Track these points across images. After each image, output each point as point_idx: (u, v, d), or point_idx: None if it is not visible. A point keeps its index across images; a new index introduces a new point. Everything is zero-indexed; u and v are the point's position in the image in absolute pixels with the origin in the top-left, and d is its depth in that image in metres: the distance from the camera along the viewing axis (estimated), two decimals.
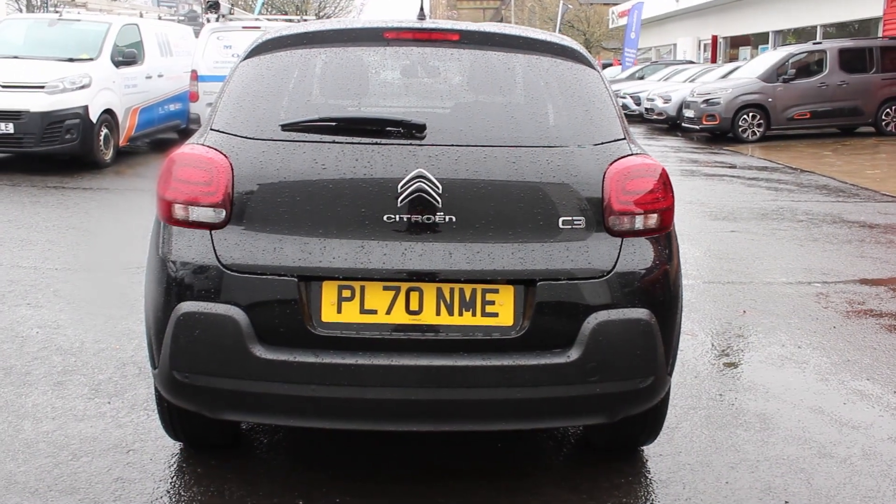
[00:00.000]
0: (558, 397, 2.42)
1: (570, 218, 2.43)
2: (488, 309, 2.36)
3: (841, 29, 20.21)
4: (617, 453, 3.05)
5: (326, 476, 2.80)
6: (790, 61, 15.14)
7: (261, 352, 2.30)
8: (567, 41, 2.79)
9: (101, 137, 9.82)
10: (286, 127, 2.43)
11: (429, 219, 2.34)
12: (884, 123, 15.26)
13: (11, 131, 9.09)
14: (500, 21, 67.84)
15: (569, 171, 2.45)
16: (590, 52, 2.83)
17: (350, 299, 2.33)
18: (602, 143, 2.54)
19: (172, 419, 2.75)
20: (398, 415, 2.40)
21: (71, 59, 9.84)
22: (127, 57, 10.43)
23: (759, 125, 15.02)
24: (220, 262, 2.35)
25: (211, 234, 2.38)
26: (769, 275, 5.79)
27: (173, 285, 2.39)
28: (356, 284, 2.33)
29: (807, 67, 15.28)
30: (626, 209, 2.47)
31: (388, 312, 2.33)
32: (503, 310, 2.37)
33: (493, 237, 2.38)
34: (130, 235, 6.72)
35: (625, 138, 2.62)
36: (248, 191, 2.38)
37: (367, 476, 2.83)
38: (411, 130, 2.41)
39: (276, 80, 2.57)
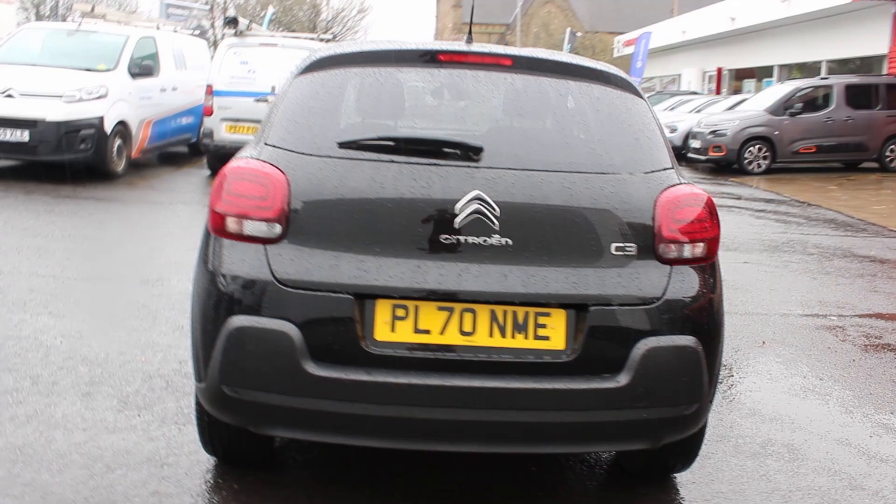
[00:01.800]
0: (606, 422, 2.43)
1: (622, 244, 2.45)
2: (540, 332, 2.37)
3: (843, 65, 20.43)
4: (650, 479, 3.05)
5: (363, 495, 2.80)
6: (797, 95, 15.30)
7: (313, 368, 2.30)
8: (615, 70, 2.83)
9: (115, 148, 9.85)
10: (344, 145, 2.46)
11: (485, 241, 2.36)
12: (888, 160, 15.40)
13: (27, 139, 9.10)
14: (504, 45, 68.22)
15: (621, 198, 2.48)
16: None
17: (404, 318, 2.34)
18: (652, 172, 2.57)
19: (212, 434, 2.74)
20: (448, 435, 2.40)
21: (88, 69, 9.89)
22: (143, 69, 10.49)
23: (764, 157, 15.13)
24: (274, 276, 2.35)
25: (265, 248, 2.38)
26: (785, 306, 5.81)
27: (225, 299, 2.39)
28: (410, 304, 2.34)
29: (813, 102, 15.43)
30: (676, 237, 2.50)
31: (442, 333, 2.34)
32: (555, 333, 2.38)
33: (547, 261, 2.40)
34: (147, 248, 6.74)
35: (673, 167, 2.65)
36: (305, 207, 2.39)
37: (405, 496, 2.82)
38: (468, 152, 2.44)
39: (331, 98, 2.59)
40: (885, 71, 17.92)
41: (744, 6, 23.39)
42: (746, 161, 15.06)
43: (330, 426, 2.39)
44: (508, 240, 2.37)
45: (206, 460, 2.96)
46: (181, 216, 8.47)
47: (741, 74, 26.47)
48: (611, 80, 2.74)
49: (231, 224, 2.43)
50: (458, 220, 2.35)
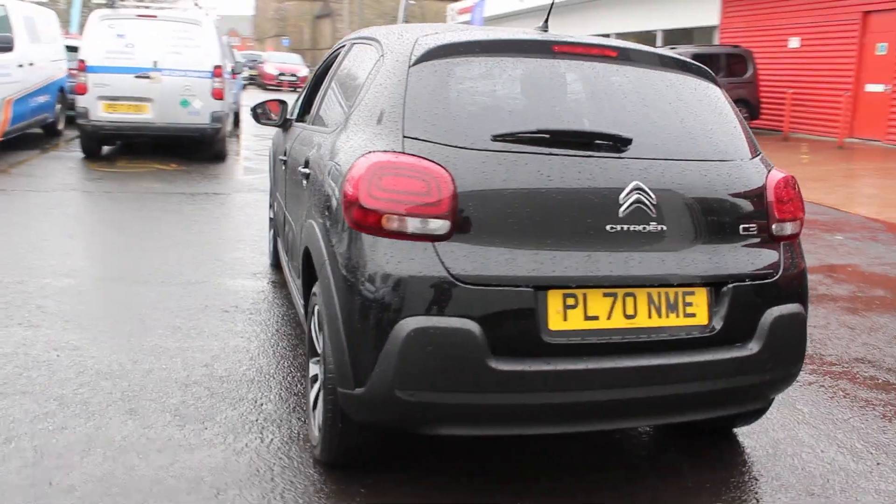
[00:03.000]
0: (738, 387, 2.63)
1: (747, 225, 2.66)
2: (688, 310, 2.52)
3: (671, 34, 22.03)
4: (712, 434, 3.30)
5: (487, 480, 2.82)
6: None
7: (496, 363, 2.29)
8: (698, 63, 2.99)
9: None
10: (498, 137, 2.43)
11: (644, 228, 2.45)
12: None
13: None
14: (329, 14, 66.57)
15: (742, 182, 2.68)
16: None
17: (574, 307, 2.38)
18: (753, 158, 2.80)
19: (342, 440, 2.64)
20: (618, 414, 2.51)
21: None
22: (2, 42, 9.36)
23: None
24: (450, 274, 2.29)
25: (434, 245, 2.31)
26: None
27: (392, 300, 2.30)
28: (579, 292, 2.39)
29: None
30: (782, 217, 2.75)
31: (609, 317, 2.42)
32: (699, 310, 2.53)
33: (692, 243, 2.55)
34: (67, 240, 6.18)
35: (760, 152, 2.88)
36: (472, 201, 2.34)
37: (549, 482, 2.86)
38: (618, 144, 2.51)
39: (462, 88, 2.53)
40: (715, 40, 19.57)
41: None
42: None
43: (508, 419, 2.40)
44: (663, 226, 2.48)
45: (312, 469, 2.84)
46: (80, 202, 7.76)
47: None
48: (700, 72, 2.91)
49: (390, 222, 2.33)
50: (622, 209, 2.43)
